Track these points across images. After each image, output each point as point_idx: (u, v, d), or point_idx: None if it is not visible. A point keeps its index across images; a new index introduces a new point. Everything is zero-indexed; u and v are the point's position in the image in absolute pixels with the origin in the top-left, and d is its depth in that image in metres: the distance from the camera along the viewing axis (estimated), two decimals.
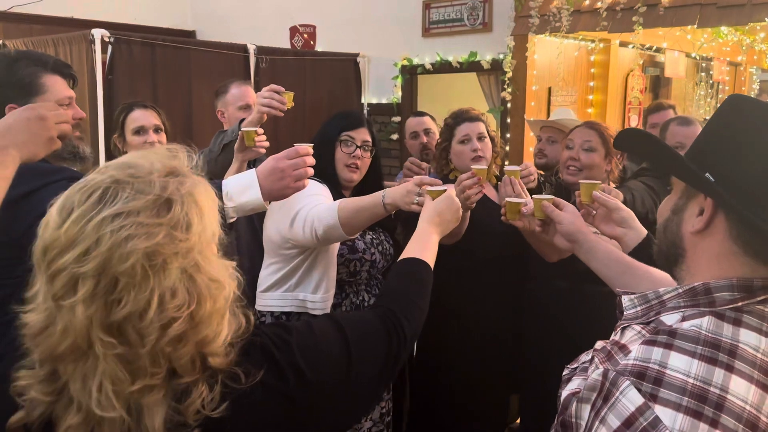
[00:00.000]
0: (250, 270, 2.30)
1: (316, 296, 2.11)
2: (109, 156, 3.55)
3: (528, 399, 2.67)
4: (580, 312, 2.08)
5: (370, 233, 2.32)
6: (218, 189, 1.47)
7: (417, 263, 1.27)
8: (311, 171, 1.58)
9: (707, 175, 0.90)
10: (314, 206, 1.90)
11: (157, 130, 2.60)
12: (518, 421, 3.02)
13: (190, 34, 6.21)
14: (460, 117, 2.52)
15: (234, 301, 0.92)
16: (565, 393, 0.93)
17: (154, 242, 0.81)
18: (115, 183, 0.82)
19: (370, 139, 2.24)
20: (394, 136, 5.03)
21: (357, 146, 2.17)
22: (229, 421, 0.85)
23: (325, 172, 2.14)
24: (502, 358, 2.57)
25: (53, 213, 0.84)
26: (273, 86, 2.30)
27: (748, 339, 0.84)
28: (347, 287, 2.32)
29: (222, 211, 1.23)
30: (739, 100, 0.98)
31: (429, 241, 1.37)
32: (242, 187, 1.65)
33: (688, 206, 0.95)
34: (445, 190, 1.54)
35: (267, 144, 2.46)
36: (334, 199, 2.09)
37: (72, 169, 1.86)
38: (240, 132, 2.28)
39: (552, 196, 1.65)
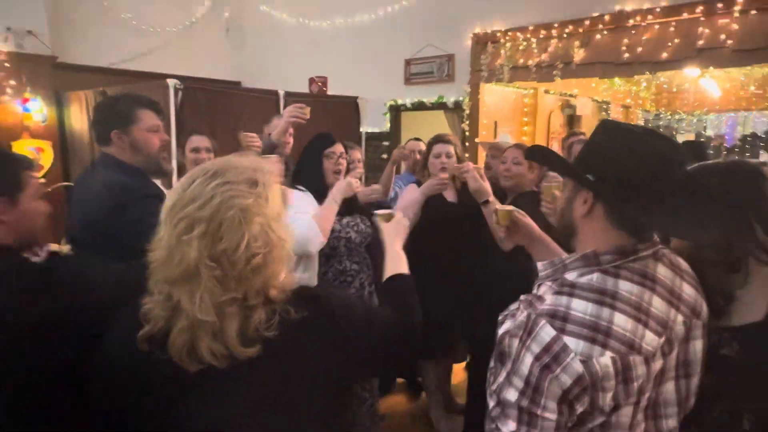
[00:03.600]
0: None
1: (303, 275, 2.13)
2: (180, 171, 3.68)
3: (476, 341, 2.66)
4: (516, 280, 1.66)
5: (347, 218, 2.35)
6: None
7: (402, 276, 1.31)
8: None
9: (588, 176, 0.97)
10: (300, 231, 1.85)
11: (207, 150, 2.81)
12: (468, 359, 3.18)
13: (237, 83, 6.32)
14: (437, 139, 2.76)
15: (289, 260, 1.01)
16: (500, 332, 0.98)
17: (247, 203, 0.92)
18: (223, 167, 0.95)
19: (344, 150, 2.39)
20: (384, 155, 5.20)
21: (338, 156, 2.32)
22: (280, 341, 0.92)
23: (314, 180, 2.28)
24: (459, 311, 2.65)
25: (180, 182, 0.96)
26: (297, 104, 2.40)
27: (624, 286, 0.91)
28: (331, 258, 2.37)
29: None
30: (608, 122, 1.06)
31: (400, 257, 1.39)
32: None
33: (576, 198, 1.01)
34: (392, 214, 1.59)
35: (289, 150, 2.69)
36: (320, 200, 2.21)
37: (153, 184, 1.84)
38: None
39: (516, 208, 1.58)
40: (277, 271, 0.96)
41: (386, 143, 5.32)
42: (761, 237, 1.06)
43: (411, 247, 2.60)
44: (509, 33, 4.34)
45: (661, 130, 7.73)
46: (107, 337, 1.01)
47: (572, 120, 5.95)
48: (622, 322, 0.86)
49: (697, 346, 0.99)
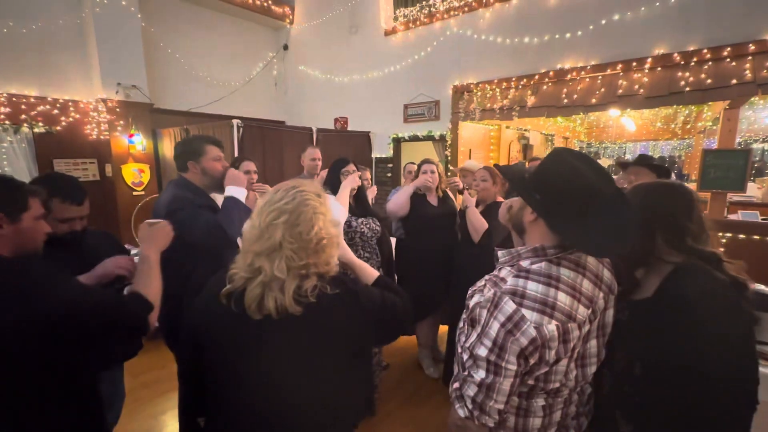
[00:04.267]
0: None
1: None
2: None
3: (454, 308, 2.59)
4: (481, 262, 1.80)
5: (362, 218, 2.29)
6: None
7: (380, 280, 1.18)
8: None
9: (536, 194, 0.93)
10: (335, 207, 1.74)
11: (255, 172, 2.68)
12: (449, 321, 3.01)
13: (281, 122, 6.40)
14: (425, 162, 2.76)
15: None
16: (471, 303, 0.96)
17: (315, 204, 0.96)
18: (299, 183, 0.99)
19: (355, 168, 2.33)
20: (389, 174, 5.29)
21: (350, 173, 2.27)
22: (317, 307, 0.91)
23: (335, 188, 2.20)
24: (441, 280, 2.67)
25: (269, 193, 0.98)
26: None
27: (564, 272, 0.90)
28: (350, 248, 2.20)
29: None
30: (558, 152, 0.97)
31: (363, 266, 1.24)
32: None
33: (526, 208, 0.99)
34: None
35: (319, 169, 2.75)
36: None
37: (207, 197, 1.80)
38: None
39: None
40: (331, 254, 0.98)
41: (390, 165, 5.37)
42: (659, 243, 1.03)
43: (408, 238, 2.73)
44: (480, 84, 4.38)
45: (592, 155, 7.87)
46: (198, 296, 1.01)
47: (526, 148, 5.93)
48: (563, 298, 0.87)
49: (610, 313, 1.01)
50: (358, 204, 2.34)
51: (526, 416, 0.94)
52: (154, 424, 2.44)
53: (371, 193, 2.94)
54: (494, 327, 0.87)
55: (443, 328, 3.18)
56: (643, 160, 2.08)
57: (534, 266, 0.91)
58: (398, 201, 2.64)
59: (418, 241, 2.67)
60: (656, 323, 0.96)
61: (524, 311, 0.85)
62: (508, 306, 0.86)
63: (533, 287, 0.87)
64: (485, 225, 2.34)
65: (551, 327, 0.84)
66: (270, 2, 5.91)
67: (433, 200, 2.72)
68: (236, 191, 1.77)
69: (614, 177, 2.24)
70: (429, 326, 2.98)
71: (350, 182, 2.12)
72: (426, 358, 3.00)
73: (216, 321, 0.96)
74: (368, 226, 2.31)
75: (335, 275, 0.99)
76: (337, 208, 2.02)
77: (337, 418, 0.99)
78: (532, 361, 0.86)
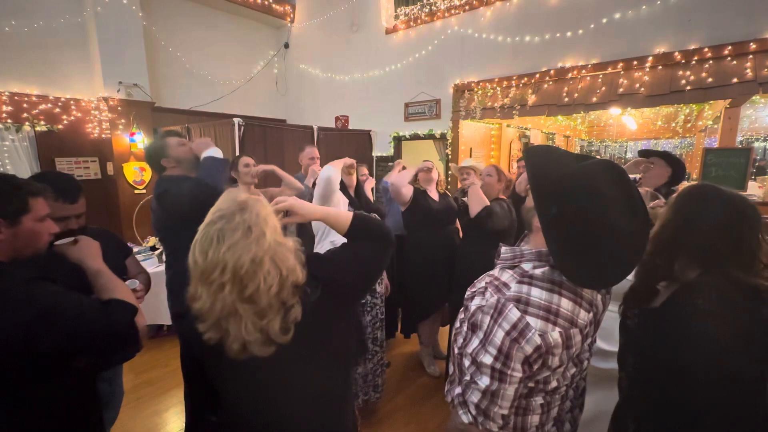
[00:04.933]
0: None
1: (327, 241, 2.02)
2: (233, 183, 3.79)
3: (454, 308, 2.58)
4: (483, 263, 1.63)
5: (358, 212, 2.25)
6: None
7: (355, 218, 1.09)
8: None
9: (553, 207, 0.85)
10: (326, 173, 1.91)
11: (253, 165, 2.64)
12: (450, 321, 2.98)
13: (282, 120, 6.39)
14: (424, 162, 2.73)
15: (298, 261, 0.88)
16: (472, 306, 0.94)
17: (252, 254, 0.81)
18: (222, 231, 0.83)
19: (354, 165, 2.36)
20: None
21: (347, 167, 2.32)
22: (304, 321, 0.86)
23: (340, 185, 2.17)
24: (443, 280, 2.68)
25: (199, 247, 0.83)
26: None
27: None
28: None
29: None
30: (597, 168, 0.87)
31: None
32: None
33: (536, 216, 0.92)
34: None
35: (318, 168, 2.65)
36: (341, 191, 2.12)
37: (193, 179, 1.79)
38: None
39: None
40: (293, 268, 0.86)
41: (391, 164, 5.19)
42: (678, 268, 0.97)
43: (409, 234, 2.70)
44: (480, 83, 4.35)
45: (593, 153, 7.77)
46: (183, 330, 0.97)
47: (527, 147, 5.80)
48: (566, 304, 0.85)
49: (605, 313, 1.00)
50: (358, 200, 2.34)
51: (525, 414, 0.94)
52: (157, 421, 2.45)
53: (369, 184, 2.91)
54: (499, 335, 0.85)
55: (444, 327, 3.16)
56: (666, 155, 2.38)
57: (537, 271, 0.89)
58: (403, 176, 2.60)
59: (420, 237, 2.67)
60: (659, 331, 0.95)
61: (529, 319, 0.83)
62: (513, 314, 0.85)
63: (537, 294, 0.86)
64: (486, 201, 2.32)
65: (555, 335, 0.83)
66: (271, 1, 5.89)
67: (434, 195, 2.73)
68: (212, 151, 1.83)
69: (630, 165, 2.47)
70: (430, 325, 2.98)
71: (343, 161, 2.10)
72: (427, 357, 3.00)
73: (206, 352, 0.90)
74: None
75: (307, 269, 0.90)
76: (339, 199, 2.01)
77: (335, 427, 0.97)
78: (535, 367, 0.86)
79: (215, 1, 5.44)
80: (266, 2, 5.84)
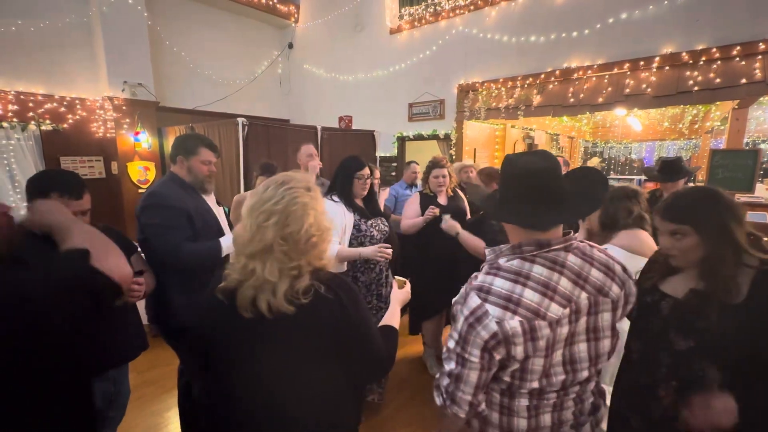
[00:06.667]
0: None
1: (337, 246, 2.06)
2: (247, 185, 3.85)
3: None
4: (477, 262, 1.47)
5: (372, 221, 2.24)
6: None
7: (391, 329, 1.15)
8: None
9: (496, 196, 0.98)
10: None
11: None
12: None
13: (286, 120, 6.42)
14: (435, 164, 2.69)
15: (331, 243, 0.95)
16: (453, 300, 0.98)
17: (305, 200, 0.94)
18: (288, 178, 0.97)
19: (369, 172, 2.24)
20: (393, 173, 5.28)
21: (366, 178, 2.21)
22: (308, 307, 0.90)
23: (346, 194, 2.18)
24: (445, 283, 2.61)
25: (258, 188, 0.96)
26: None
27: (536, 269, 0.90)
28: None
29: None
30: (508, 158, 0.98)
31: (396, 315, 1.23)
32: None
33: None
34: (405, 282, 1.39)
35: (318, 170, 2.70)
36: (348, 206, 2.15)
37: (192, 198, 1.79)
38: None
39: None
40: (324, 249, 0.97)
41: (394, 164, 5.35)
42: (739, 262, 1.03)
43: (416, 237, 2.69)
44: (485, 83, 4.33)
45: (597, 154, 7.75)
46: (204, 294, 1.02)
47: (531, 148, 5.88)
48: (529, 295, 0.87)
49: (605, 317, 0.96)
50: (368, 205, 2.30)
51: (510, 415, 0.95)
52: (159, 420, 2.45)
53: (383, 195, 2.89)
54: (461, 320, 0.89)
55: (448, 328, 3.16)
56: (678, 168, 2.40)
57: (506, 263, 0.92)
58: (414, 223, 2.64)
59: (426, 241, 2.66)
60: (748, 326, 0.96)
61: (488, 306, 0.86)
62: (473, 301, 0.88)
63: (499, 283, 0.89)
64: (481, 243, 2.27)
65: (513, 323, 0.84)
66: (275, 1, 5.89)
67: (443, 200, 2.71)
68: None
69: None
70: (434, 326, 2.97)
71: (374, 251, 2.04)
72: (430, 357, 2.99)
73: (213, 315, 0.97)
74: (377, 228, 2.27)
75: (332, 276, 0.96)
76: (335, 215, 2.01)
77: (333, 425, 0.99)
78: (497, 356, 0.87)
79: (220, 1, 5.46)
80: (270, 2, 5.85)
